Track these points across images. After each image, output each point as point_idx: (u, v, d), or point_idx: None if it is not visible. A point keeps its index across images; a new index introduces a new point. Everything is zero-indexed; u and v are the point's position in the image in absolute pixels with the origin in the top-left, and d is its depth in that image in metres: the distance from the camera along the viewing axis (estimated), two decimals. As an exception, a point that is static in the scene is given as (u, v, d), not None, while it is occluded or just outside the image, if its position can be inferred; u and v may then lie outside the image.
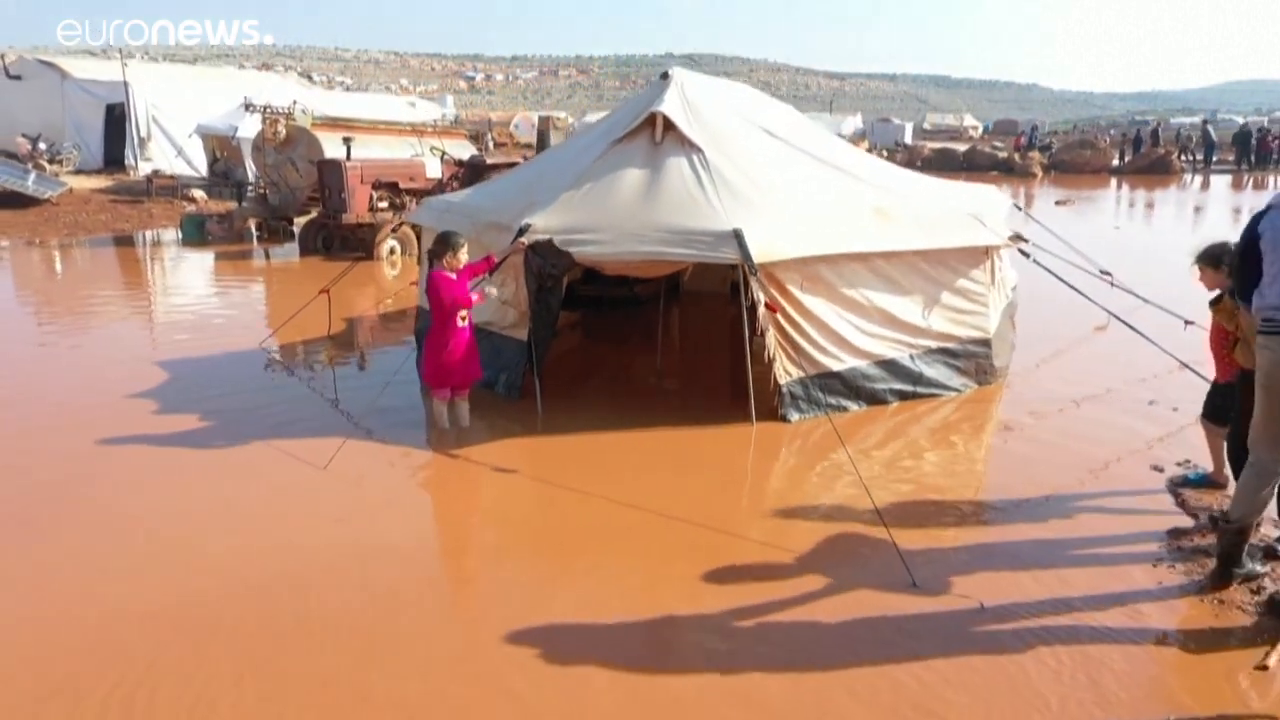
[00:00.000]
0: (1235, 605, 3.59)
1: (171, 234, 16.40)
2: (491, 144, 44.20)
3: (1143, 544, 4.18)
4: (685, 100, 6.31)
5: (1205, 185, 29.30)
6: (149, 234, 16.63)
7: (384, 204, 13.30)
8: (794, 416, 5.69)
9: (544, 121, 38.27)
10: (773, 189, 5.91)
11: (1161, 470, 5.01)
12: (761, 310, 5.38)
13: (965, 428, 5.88)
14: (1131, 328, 6.63)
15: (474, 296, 5.51)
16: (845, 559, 4.07)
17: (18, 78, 26.06)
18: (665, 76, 6.57)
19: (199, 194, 20.56)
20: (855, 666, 3.25)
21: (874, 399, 6.02)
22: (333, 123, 14.69)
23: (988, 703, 3.03)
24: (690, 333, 8.40)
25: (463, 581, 4.31)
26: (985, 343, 6.43)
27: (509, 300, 6.22)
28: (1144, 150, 33.29)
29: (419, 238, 10.16)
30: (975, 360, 6.41)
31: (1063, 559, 4.09)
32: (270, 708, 3.02)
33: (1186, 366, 6.32)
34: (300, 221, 14.70)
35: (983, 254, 6.29)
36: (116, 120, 23.87)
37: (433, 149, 14.51)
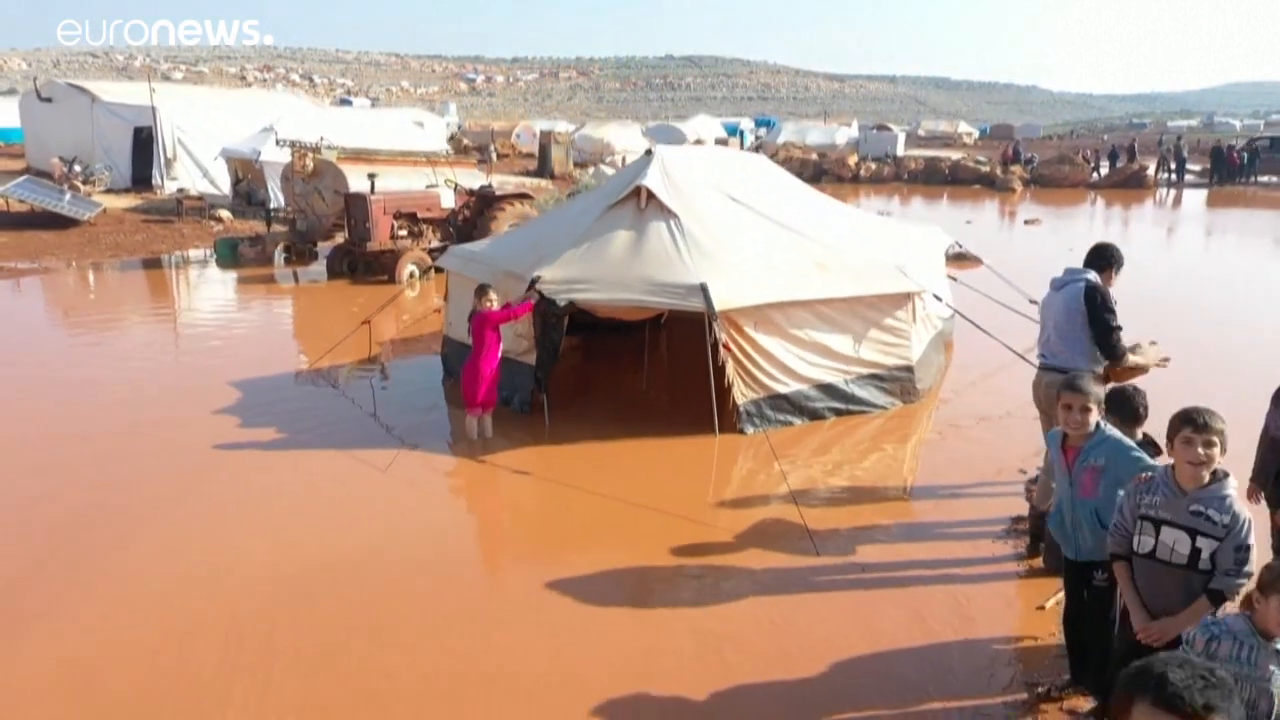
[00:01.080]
0: (1038, 567, 5.08)
1: (205, 254, 17.89)
2: (495, 156, 45.72)
3: (993, 525, 5.69)
4: (665, 174, 7.81)
5: (1177, 202, 30.80)
6: (184, 255, 18.09)
7: (404, 232, 14.79)
8: (749, 430, 7.17)
9: (545, 136, 39.86)
10: (734, 248, 7.41)
11: (1025, 472, 6.50)
12: (721, 349, 6.86)
13: (886, 438, 7.36)
14: (1023, 358, 8.08)
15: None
16: (772, 537, 5.56)
17: (49, 100, 27.63)
18: (649, 153, 8.07)
19: (225, 214, 22.07)
20: (762, 607, 4.75)
21: (815, 415, 7.51)
22: (355, 156, 16.17)
23: (848, 625, 4.52)
24: (672, 353, 9.87)
25: (492, 553, 5.81)
26: (909, 369, 7.91)
27: (523, 333, 7.70)
28: (1120, 165, 34.73)
29: (437, 270, 11.63)
30: (900, 383, 7.89)
31: (933, 534, 5.60)
32: (373, 619, 4.51)
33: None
34: (323, 245, 16.24)
35: (905, 298, 7.76)
36: (144, 142, 25.36)
37: (446, 181, 15.97)
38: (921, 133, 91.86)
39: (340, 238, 15.95)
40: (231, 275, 15.80)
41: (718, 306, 6.82)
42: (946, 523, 5.77)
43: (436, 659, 4.29)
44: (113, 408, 8.17)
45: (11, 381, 9.01)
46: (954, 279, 10.02)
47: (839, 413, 7.61)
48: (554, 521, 6.03)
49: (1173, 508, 3.16)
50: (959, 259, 16.24)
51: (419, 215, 14.97)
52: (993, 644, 4.36)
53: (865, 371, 7.74)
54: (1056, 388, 4.93)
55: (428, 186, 15.96)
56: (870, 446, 7.19)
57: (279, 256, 16.99)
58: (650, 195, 7.58)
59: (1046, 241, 19.80)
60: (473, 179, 17.28)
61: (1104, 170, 36.22)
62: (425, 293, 13.81)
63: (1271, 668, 2.70)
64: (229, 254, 17.01)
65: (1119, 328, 5.09)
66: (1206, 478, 3.09)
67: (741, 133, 69.49)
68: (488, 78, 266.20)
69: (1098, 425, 3.67)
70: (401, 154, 17.50)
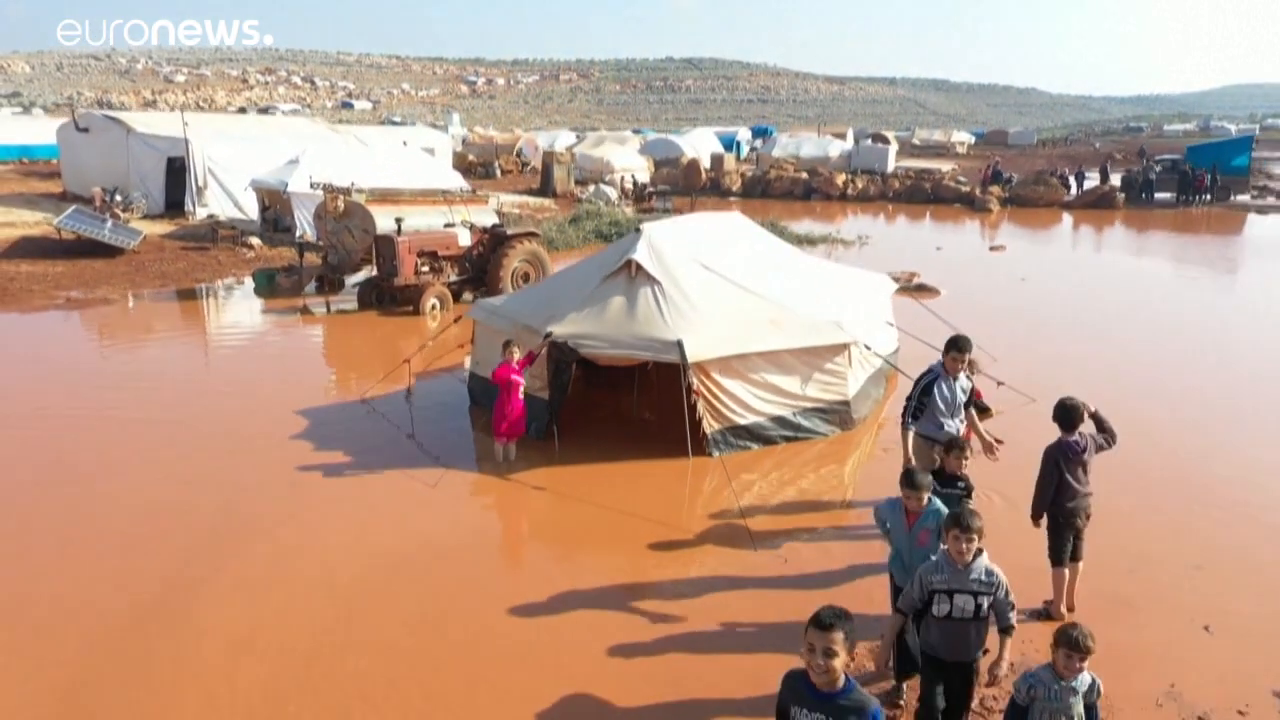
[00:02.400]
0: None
1: (241, 283, 19.86)
2: (499, 172, 47.64)
3: (889, 530, 7.63)
4: (651, 248, 9.76)
5: (1142, 225, 32.74)
6: (224, 285, 20.02)
7: (426, 269, 16.76)
8: (715, 453, 9.12)
9: (548, 156, 41.84)
10: (705, 310, 9.36)
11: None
12: (693, 391, 8.82)
13: (824, 461, 9.32)
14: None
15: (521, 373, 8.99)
16: (724, 537, 7.53)
17: (85, 130, 29.61)
18: (638, 231, 10.04)
19: (255, 241, 24.04)
20: (709, 585, 6.72)
21: (768, 441, 9.47)
22: (381, 198, 18.16)
23: (765, 598, 6.48)
24: (658, 382, 11.80)
25: (517, 549, 7.80)
26: (846, 403, 9.86)
27: (538, 375, 9.65)
28: (1090, 186, 36.74)
29: (451, 299, 13.57)
30: (839, 415, 9.85)
31: (844, 535, 7.58)
32: (432, 599, 6.48)
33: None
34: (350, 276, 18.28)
35: (841, 348, 9.71)
36: (176, 170, 27.33)
37: (463, 221, 17.94)
38: (916, 141, 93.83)
39: (366, 270, 17.95)
40: (272, 304, 17.74)
41: (690, 358, 8.77)
42: (855, 527, 7.73)
43: (480, 620, 6.26)
44: (221, 434, 10.12)
45: (136, 407, 10.98)
46: (891, 325, 11.91)
47: (788, 439, 9.57)
48: (563, 526, 8.00)
49: (959, 580, 4.53)
50: (919, 289, 18.26)
51: (439, 253, 16.94)
52: (867, 617, 6.32)
53: (810, 405, 9.69)
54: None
55: (446, 225, 17.91)
56: (810, 467, 9.16)
57: (311, 286, 18.95)
58: (639, 267, 9.54)
59: (1004, 270, 21.73)
60: (485, 216, 19.22)
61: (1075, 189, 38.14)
62: (445, 323, 15.73)
63: (1070, 699, 4.29)
64: (266, 284, 18.97)
65: (908, 403, 7.05)
66: (970, 557, 4.56)
67: (738, 144, 71.41)
68: (488, 80, 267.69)
69: (929, 500, 5.43)
70: (421, 193, 19.45)
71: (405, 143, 39.78)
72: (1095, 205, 35.37)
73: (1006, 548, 7.17)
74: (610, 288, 9.58)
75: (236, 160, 27.30)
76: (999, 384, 10.99)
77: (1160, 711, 5.27)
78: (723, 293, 9.73)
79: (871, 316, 10.98)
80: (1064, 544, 6.18)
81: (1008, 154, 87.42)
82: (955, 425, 7.07)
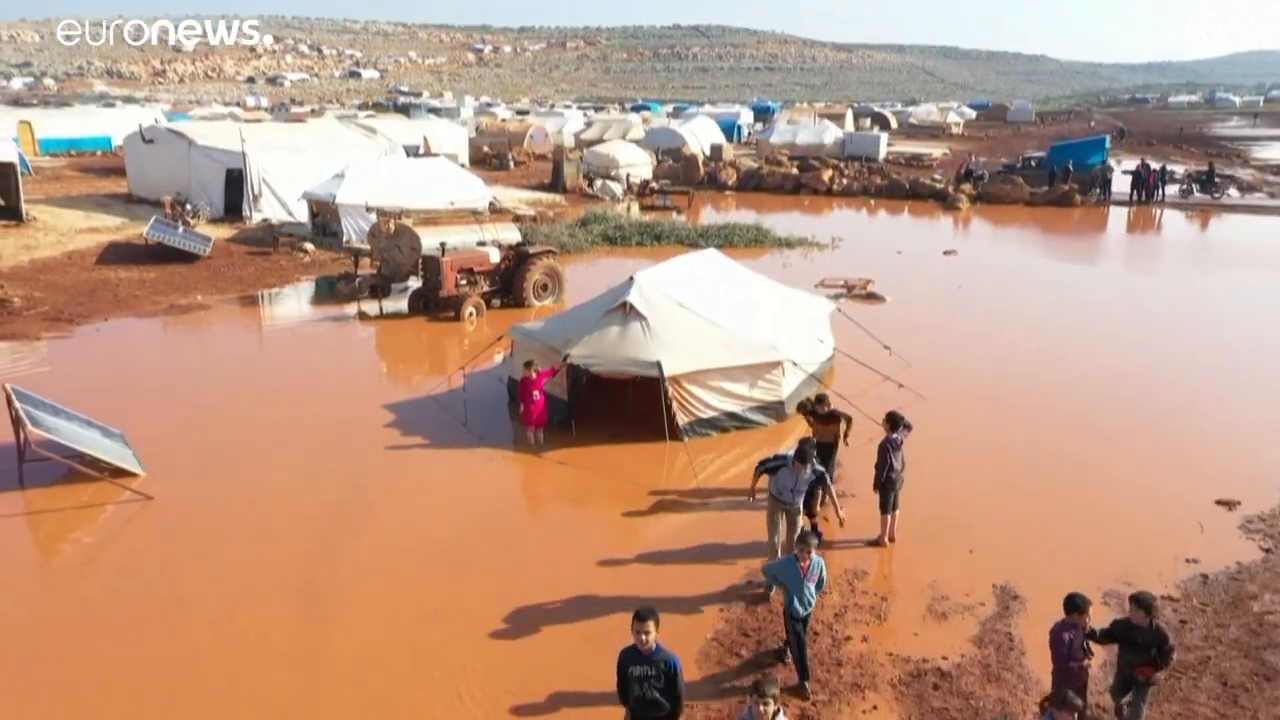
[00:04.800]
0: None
1: (303, 288, 23.76)
2: (512, 164, 51.21)
3: (794, 492, 11.57)
4: (641, 292, 13.59)
5: (1101, 224, 36.33)
6: (292, 289, 23.87)
7: (464, 282, 20.62)
8: (686, 439, 12.97)
9: (558, 152, 45.48)
10: (679, 337, 13.20)
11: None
12: (668, 396, 12.71)
13: (763, 443, 13.19)
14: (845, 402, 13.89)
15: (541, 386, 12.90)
16: (685, 494, 11.46)
17: (151, 142, 33.37)
18: (631, 280, 13.87)
19: (310, 246, 27.87)
20: (670, 523, 10.69)
21: (724, 429, 13.37)
22: (425, 220, 21.98)
23: (708, 530, 10.42)
24: (646, 386, 15.68)
25: (547, 505, 11.80)
26: (780, 403, 13.74)
27: (558, 382, 13.53)
28: (1054, 185, 40.21)
29: (485, 307, 17.39)
30: (775, 410, 13.74)
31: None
32: (486, 557, 10.46)
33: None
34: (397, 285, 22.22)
35: (776, 364, 13.57)
36: (234, 179, 31.11)
37: (492, 241, 21.75)
38: (914, 121, 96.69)
39: (413, 280, 21.82)
40: (334, 308, 21.61)
41: (667, 374, 12.64)
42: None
43: (525, 545, 10.22)
44: (328, 418, 14.06)
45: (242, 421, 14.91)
46: (822, 341, 15.72)
47: (738, 427, 13.48)
48: (578, 488, 11.96)
49: None
50: (869, 297, 22.04)
51: (475, 269, 20.80)
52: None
53: (754, 404, 13.59)
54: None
55: (478, 244, 21.75)
56: (753, 447, 13.05)
57: (365, 292, 22.82)
58: (631, 306, 13.39)
59: (949, 276, 25.41)
60: (508, 232, 23.02)
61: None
62: (480, 326, 19.63)
63: None
64: (327, 289, 22.89)
65: (764, 462, 9.88)
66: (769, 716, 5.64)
67: (739, 128, 74.65)
68: (495, 48, 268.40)
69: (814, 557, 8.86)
70: (456, 214, 23.26)
71: (425, 138, 43.70)
72: (1055, 203, 38.87)
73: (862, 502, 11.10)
74: (610, 320, 13.45)
75: (285, 169, 31.10)
76: (900, 385, 14.85)
77: (920, 594, 9.20)
78: (691, 324, 13.59)
79: (807, 333, 14.85)
80: (887, 500, 10.09)
81: (1003, 133, 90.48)
82: (791, 499, 9.62)
